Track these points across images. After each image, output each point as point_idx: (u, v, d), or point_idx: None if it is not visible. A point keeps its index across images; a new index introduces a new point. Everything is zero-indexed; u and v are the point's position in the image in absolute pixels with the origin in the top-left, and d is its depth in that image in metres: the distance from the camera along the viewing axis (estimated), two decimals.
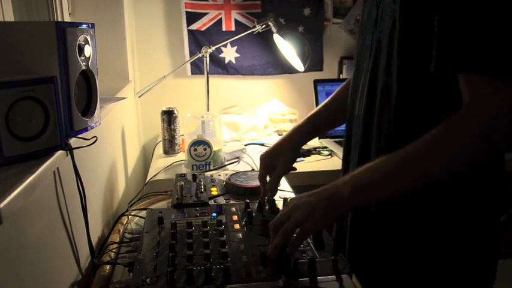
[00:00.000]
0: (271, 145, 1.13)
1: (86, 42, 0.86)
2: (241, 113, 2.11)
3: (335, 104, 1.15)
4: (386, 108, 0.86)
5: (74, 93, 0.83)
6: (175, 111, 1.71)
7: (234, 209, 1.03)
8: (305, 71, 2.00)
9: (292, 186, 1.19)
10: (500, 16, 0.67)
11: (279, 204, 1.04)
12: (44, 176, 0.71)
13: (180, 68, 1.98)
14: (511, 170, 0.96)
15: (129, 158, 1.75)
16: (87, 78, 0.90)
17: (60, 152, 0.79)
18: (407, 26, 0.79)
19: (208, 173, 1.31)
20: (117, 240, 1.06)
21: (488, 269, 0.89)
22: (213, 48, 1.79)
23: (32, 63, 0.78)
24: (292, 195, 1.11)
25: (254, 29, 1.83)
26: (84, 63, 0.86)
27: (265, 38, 2.06)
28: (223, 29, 2.08)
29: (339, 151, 1.68)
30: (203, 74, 1.89)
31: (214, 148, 1.52)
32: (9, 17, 1.06)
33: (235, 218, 0.99)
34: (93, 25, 0.90)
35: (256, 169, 1.49)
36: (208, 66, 1.82)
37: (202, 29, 2.06)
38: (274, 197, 1.07)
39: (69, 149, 0.83)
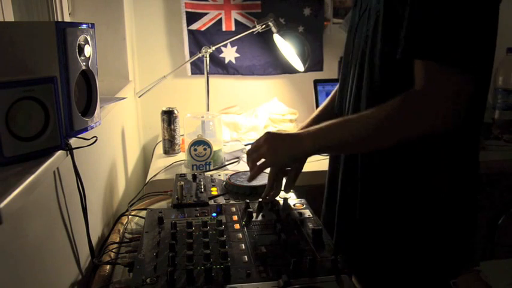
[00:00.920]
0: None
1: (86, 42, 0.86)
2: (241, 113, 2.11)
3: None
4: (371, 102, 0.90)
5: (74, 93, 0.83)
6: (175, 111, 1.71)
7: (234, 209, 1.03)
8: (305, 71, 2.00)
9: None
10: (458, 6, 0.73)
11: (279, 204, 1.04)
12: (44, 176, 0.71)
13: (180, 68, 1.98)
14: (502, 170, 0.98)
15: (129, 158, 1.75)
16: (87, 78, 0.90)
17: (60, 152, 0.79)
18: (388, 22, 0.84)
19: (208, 173, 1.31)
20: (117, 240, 1.06)
21: (467, 251, 0.93)
22: (213, 48, 1.79)
23: (32, 63, 0.78)
24: (293, 195, 1.12)
25: (254, 29, 1.83)
26: (84, 63, 0.86)
27: (265, 38, 2.06)
28: (223, 29, 2.08)
29: None
30: (203, 74, 1.89)
31: (214, 148, 1.52)
32: (9, 17, 1.06)
33: (235, 218, 0.99)
34: (93, 25, 0.90)
35: None
36: (208, 66, 1.82)
37: (202, 29, 2.06)
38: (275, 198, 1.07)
39: (69, 149, 0.83)
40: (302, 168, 1.14)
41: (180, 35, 2.06)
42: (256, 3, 2.08)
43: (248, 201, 1.04)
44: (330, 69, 2.18)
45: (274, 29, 1.84)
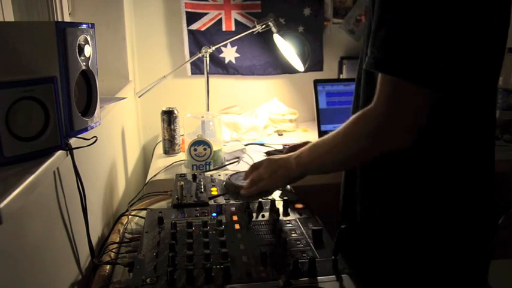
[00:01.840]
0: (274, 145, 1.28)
1: (86, 42, 0.86)
2: (241, 113, 2.11)
3: None
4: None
5: (74, 93, 0.83)
6: (175, 111, 1.71)
7: (234, 209, 1.04)
8: (305, 71, 2.00)
9: (292, 186, 1.19)
10: (417, 17, 0.71)
11: (279, 204, 1.04)
12: (44, 176, 0.71)
13: (180, 68, 1.98)
14: (502, 170, 0.97)
15: (129, 158, 1.75)
16: (87, 78, 0.90)
17: (60, 152, 0.79)
18: (369, 31, 0.84)
19: (208, 173, 1.31)
20: (117, 240, 1.06)
21: (481, 269, 0.89)
22: (213, 48, 1.79)
23: (32, 63, 0.78)
24: (293, 195, 1.12)
25: (254, 29, 1.83)
26: (84, 63, 0.86)
27: (265, 38, 2.06)
28: (223, 29, 2.08)
29: None
30: (203, 74, 1.89)
31: (214, 148, 1.52)
32: (9, 17, 1.06)
33: (235, 218, 0.99)
34: (93, 25, 0.90)
35: None
36: (208, 66, 1.82)
37: (202, 29, 2.06)
38: (274, 198, 1.07)
39: (69, 149, 0.83)
40: None
41: (180, 35, 2.06)
42: (256, 3, 2.08)
43: (248, 201, 1.04)
44: (330, 69, 2.18)
45: (274, 29, 1.84)
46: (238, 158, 1.62)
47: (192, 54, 2.04)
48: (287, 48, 1.89)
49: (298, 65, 1.94)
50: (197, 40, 2.06)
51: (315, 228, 0.90)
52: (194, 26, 2.05)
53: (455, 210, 0.85)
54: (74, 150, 0.85)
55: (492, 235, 0.89)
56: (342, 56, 2.19)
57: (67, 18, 1.57)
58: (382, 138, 0.79)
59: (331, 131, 1.86)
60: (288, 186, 1.20)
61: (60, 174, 0.89)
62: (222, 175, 1.29)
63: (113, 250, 1.00)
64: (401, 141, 0.78)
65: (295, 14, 2.10)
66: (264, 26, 1.83)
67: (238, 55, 2.11)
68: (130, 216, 1.16)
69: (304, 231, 0.92)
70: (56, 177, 0.87)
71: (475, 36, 0.74)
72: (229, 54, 2.11)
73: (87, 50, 0.87)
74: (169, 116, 1.70)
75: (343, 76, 2.15)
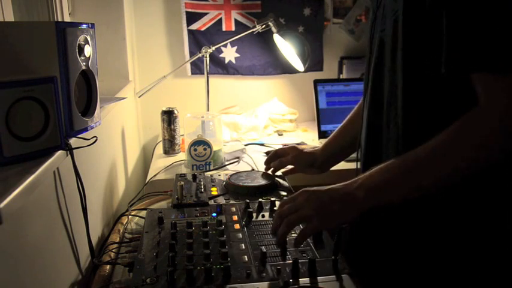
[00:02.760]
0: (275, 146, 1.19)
1: (86, 42, 0.86)
2: (241, 113, 2.11)
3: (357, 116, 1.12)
4: (393, 109, 0.86)
5: (74, 93, 0.83)
6: (175, 111, 1.71)
7: (234, 209, 1.03)
8: (305, 71, 1.99)
9: (293, 186, 1.19)
10: (508, 13, 0.66)
11: (278, 204, 1.04)
12: (44, 176, 0.71)
13: (180, 68, 1.98)
14: None
15: (129, 158, 1.75)
16: (87, 78, 0.90)
17: (60, 152, 0.79)
18: (411, 25, 0.78)
19: (208, 173, 1.31)
20: (117, 240, 1.06)
21: (501, 271, 0.87)
22: (213, 48, 1.79)
23: (32, 63, 0.78)
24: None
25: (254, 29, 1.83)
26: (84, 63, 0.86)
27: (265, 38, 2.06)
28: (223, 29, 2.08)
29: None
30: (203, 74, 1.89)
31: (214, 148, 1.52)
32: (9, 17, 1.06)
33: (235, 218, 0.99)
34: (93, 25, 0.90)
35: (256, 169, 1.49)
36: (208, 66, 1.82)
37: (202, 29, 2.06)
38: (274, 198, 1.07)
39: (69, 149, 0.83)
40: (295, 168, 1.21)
41: (180, 35, 2.06)
42: (256, 3, 2.08)
43: (248, 201, 1.04)
44: (330, 69, 2.18)
45: (274, 29, 1.84)
46: (238, 158, 1.62)
47: (192, 54, 2.04)
48: (287, 48, 1.89)
49: (298, 65, 1.94)
50: (197, 40, 2.06)
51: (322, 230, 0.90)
52: (194, 26, 2.05)
53: (465, 210, 0.83)
54: (74, 150, 0.85)
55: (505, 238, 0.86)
56: (342, 56, 2.19)
57: (67, 18, 1.57)
58: (505, 136, 0.69)
59: (331, 131, 1.89)
60: (286, 183, 1.20)
61: (60, 174, 0.89)
62: (222, 175, 1.29)
63: (113, 250, 1.00)
64: None
65: (295, 14, 2.10)
66: (264, 26, 1.83)
67: (238, 55, 2.11)
68: (130, 216, 1.16)
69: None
70: (56, 177, 0.87)
71: None
72: (229, 54, 2.11)
73: (87, 50, 0.87)
74: (169, 116, 1.70)
75: (343, 76, 2.15)
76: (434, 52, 0.74)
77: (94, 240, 1.08)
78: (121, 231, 1.11)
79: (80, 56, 0.84)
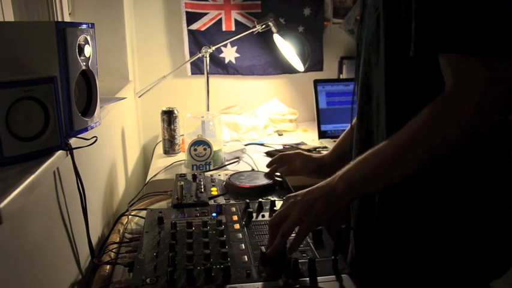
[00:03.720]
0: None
1: (86, 42, 0.86)
2: (241, 113, 2.11)
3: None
4: (380, 106, 0.86)
5: (74, 93, 0.83)
6: (175, 111, 1.71)
7: (234, 209, 1.03)
8: (305, 71, 2.00)
9: (293, 186, 1.19)
10: None
11: (279, 205, 1.04)
12: (44, 176, 0.71)
13: (180, 68, 1.98)
14: None
15: (129, 158, 1.75)
16: (87, 78, 0.90)
17: (60, 152, 0.79)
18: (390, 17, 0.79)
19: (208, 173, 1.31)
20: (117, 240, 1.06)
21: (501, 261, 0.86)
22: (213, 48, 1.79)
23: (32, 63, 0.78)
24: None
25: (254, 29, 1.83)
26: (84, 63, 0.86)
27: (265, 38, 2.06)
28: (223, 29, 2.08)
29: None
30: (203, 74, 1.89)
31: (214, 148, 1.52)
32: (9, 17, 1.06)
33: (235, 218, 0.99)
34: (93, 25, 0.90)
35: (256, 169, 1.49)
36: (208, 66, 1.82)
37: (202, 29, 2.06)
38: (274, 199, 1.07)
39: (69, 149, 0.83)
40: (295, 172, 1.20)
41: (180, 35, 2.06)
42: (256, 3, 2.08)
43: (248, 201, 1.04)
44: (330, 69, 2.18)
45: (274, 29, 1.84)
46: (238, 158, 1.62)
47: (192, 54, 2.04)
48: (287, 48, 1.89)
49: (298, 65, 1.94)
50: (197, 40, 2.06)
51: (315, 228, 0.90)
52: (194, 26, 2.05)
53: (468, 209, 0.83)
54: (74, 150, 0.85)
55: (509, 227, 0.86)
56: (342, 56, 2.19)
57: (67, 18, 1.57)
58: (478, 117, 0.68)
59: (331, 131, 1.89)
60: (286, 183, 1.20)
61: (60, 174, 0.89)
62: (222, 175, 1.29)
63: (113, 250, 1.00)
64: (499, 117, 0.69)
65: (295, 14, 2.10)
66: (264, 26, 1.83)
67: (238, 55, 2.11)
68: (130, 216, 1.16)
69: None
70: (56, 177, 0.87)
71: None
72: (229, 54, 2.11)
73: (87, 50, 0.87)
74: (169, 116, 1.70)
75: (343, 76, 2.15)
76: (409, 38, 0.74)
77: (94, 240, 1.08)
78: (121, 231, 1.11)
79: (80, 56, 0.84)
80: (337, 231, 0.83)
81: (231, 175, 1.22)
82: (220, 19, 2.07)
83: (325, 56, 2.17)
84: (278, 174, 1.24)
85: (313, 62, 2.12)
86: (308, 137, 1.94)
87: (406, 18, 0.74)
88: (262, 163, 1.57)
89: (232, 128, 1.96)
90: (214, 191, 1.16)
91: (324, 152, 1.30)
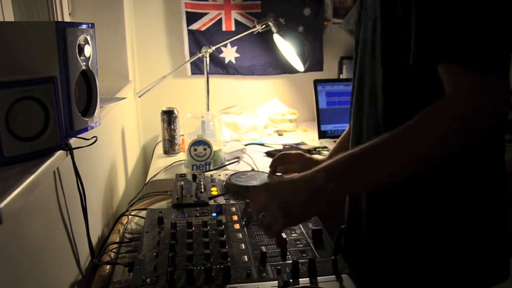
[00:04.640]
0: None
1: (86, 42, 0.86)
2: (241, 113, 2.12)
3: None
4: (373, 107, 0.87)
5: (74, 93, 0.83)
6: (175, 111, 1.71)
7: (234, 209, 1.04)
8: (305, 71, 2.00)
9: None
10: (475, 3, 0.67)
11: None
12: (44, 176, 0.71)
13: (180, 68, 1.98)
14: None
15: (129, 158, 1.75)
16: (87, 78, 0.90)
17: (60, 152, 0.79)
18: (388, 21, 0.80)
19: (208, 173, 1.31)
20: (117, 240, 1.06)
21: (497, 265, 0.87)
22: (213, 48, 1.79)
23: (32, 63, 0.78)
24: None
25: (254, 29, 1.83)
26: (84, 63, 0.86)
27: (265, 38, 2.06)
28: (223, 29, 2.08)
29: None
30: (203, 74, 1.89)
31: (214, 148, 1.52)
32: (9, 17, 1.06)
33: (235, 218, 0.99)
34: (93, 25, 0.90)
35: (256, 169, 1.49)
36: (208, 66, 1.82)
37: (202, 29, 2.06)
38: None
39: (69, 149, 0.83)
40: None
41: (180, 35, 2.06)
42: (256, 3, 2.08)
43: (248, 201, 1.04)
44: (330, 69, 2.18)
45: (274, 29, 1.84)
46: (238, 158, 1.62)
47: (192, 54, 2.04)
48: (287, 48, 1.89)
49: (298, 65, 1.94)
50: (197, 40, 2.06)
51: (315, 228, 0.90)
52: (194, 26, 2.05)
53: (465, 211, 0.83)
54: (74, 150, 0.85)
55: (505, 229, 0.86)
56: (342, 56, 2.19)
57: (67, 18, 1.57)
58: (474, 119, 0.69)
59: (331, 131, 1.89)
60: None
61: (60, 174, 0.89)
62: (222, 175, 1.29)
63: (113, 250, 1.00)
64: (493, 120, 0.70)
65: (295, 14, 2.10)
66: (264, 26, 1.83)
67: (238, 55, 2.11)
68: (130, 216, 1.16)
69: (304, 231, 0.92)
70: (56, 177, 0.87)
71: None
72: (229, 54, 2.11)
73: (87, 50, 0.87)
74: (169, 116, 1.70)
75: (343, 76, 2.15)
76: (407, 45, 0.74)
77: (94, 240, 1.08)
78: (121, 231, 1.11)
79: (80, 56, 0.84)
80: (337, 231, 0.83)
81: (231, 175, 1.22)
82: (220, 19, 2.07)
83: (325, 56, 2.17)
84: (279, 174, 1.24)
85: (313, 62, 2.12)
86: (308, 137, 1.94)
87: (402, 26, 0.75)
88: (262, 163, 1.57)
89: (232, 128, 1.96)
90: (214, 191, 1.16)
91: (325, 153, 1.30)
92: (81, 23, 0.86)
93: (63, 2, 1.52)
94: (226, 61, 2.12)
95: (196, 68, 2.10)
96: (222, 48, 2.08)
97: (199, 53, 1.79)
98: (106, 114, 1.18)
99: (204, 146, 1.50)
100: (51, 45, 0.78)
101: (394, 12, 0.78)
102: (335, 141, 1.82)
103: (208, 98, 1.82)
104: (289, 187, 0.76)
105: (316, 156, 1.21)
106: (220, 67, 2.12)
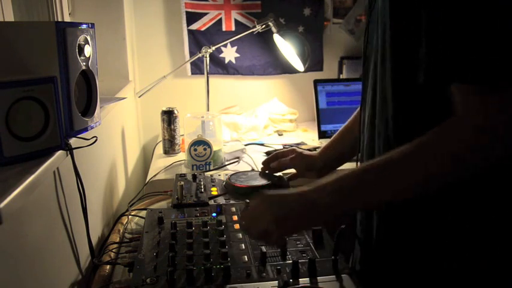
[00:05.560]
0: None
1: (86, 42, 0.86)
2: (241, 113, 2.11)
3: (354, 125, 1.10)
4: (384, 117, 0.84)
5: (74, 93, 0.83)
6: (175, 111, 1.71)
7: (234, 209, 1.04)
8: (305, 71, 1.99)
9: (292, 186, 1.19)
10: (489, 22, 0.65)
11: None
12: (44, 176, 0.71)
13: (180, 68, 1.98)
14: None
15: (129, 158, 1.75)
16: (87, 78, 0.90)
17: (60, 152, 0.79)
18: (397, 31, 0.77)
19: (208, 173, 1.31)
20: (117, 240, 1.06)
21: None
22: (213, 48, 1.79)
23: (32, 63, 0.78)
24: None
25: (254, 29, 1.83)
26: (84, 63, 0.86)
27: (265, 38, 2.06)
28: (223, 29, 2.08)
29: None
30: (203, 74, 1.89)
31: (214, 148, 1.52)
32: (9, 17, 1.06)
33: (235, 218, 0.99)
34: (93, 25, 0.90)
35: (256, 169, 1.49)
36: (208, 66, 1.82)
37: (202, 29, 2.06)
38: None
39: (69, 149, 0.83)
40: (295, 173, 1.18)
41: (180, 35, 2.06)
42: (256, 3, 2.08)
43: (248, 201, 1.04)
44: (330, 69, 2.18)
45: (274, 29, 1.84)
46: (238, 158, 1.62)
47: (192, 54, 2.04)
48: (287, 48, 1.89)
49: (298, 65, 1.94)
50: (197, 40, 2.06)
51: (315, 228, 0.90)
52: (194, 26, 2.05)
53: (468, 215, 0.81)
54: (74, 150, 0.85)
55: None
56: (342, 56, 2.19)
57: (67, 18, 1.57)
58: (484, 147, 0.67)
59: (331, 131, 1.89)
60: (286, 183, 1.20)
61: (60, 174, 0.89)
62: (222, 175, 1.29)
63: (113, 250, 1.00)
64: (505, 150, 0.67)
65: (295, 14, 2.10)
66: (264, 26, 1.83)
67: (238, 55, 2.11)
68: (130, 216, 1.16)
69: (304, 231, 0.92)
70: (56, 177, 0.87)
71: None
72: (229, 54, 2.11)
73: (87, 50, 0.87)
74: (169, 116, 1.70)
75: (343, 76, 2.15)
76: (417, 61, 0.72)
77: (94, 240, 1.08)
78: (121, 231, 1.11)
79: (80, 56, 0.84)
80: (337, 231, 0.82)
81: (231, 175, 1.22)
82: (220, 19, 2.07)
83: (325, 56, 2.17)
84: (278, 174, 1.24)
85: (313, 62, 2.12)
86: (308, 137, 1.94)
87: (413, 38, 0.73)
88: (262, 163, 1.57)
89: (232, 128, 1.96)
90: (214, 191, 1.16)
91: (316, 144, 1.29)
92: (81, 23, 0.86)
93: (63, 2, 1.52)
94: (226, 61, 2.12)
95: (196, 68, 2.10)
96: (222, 48, 2.08)
97: (199, 53, 1.79)
98: (106, 114, 1.18)
99: (204, 146, 1.50)
100: (51, 45, 0.78)
101: (403, 18, 0.75)
102: None
103: (208, 98, 1.82)
104: (285, 199, 0.76)
105: (307, 152, 1.20)
106: (220, 67, 2.12)
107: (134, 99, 1.98)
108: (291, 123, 2.07)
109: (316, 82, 1.91)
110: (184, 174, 1.27)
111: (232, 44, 2.07)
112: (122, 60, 1.81)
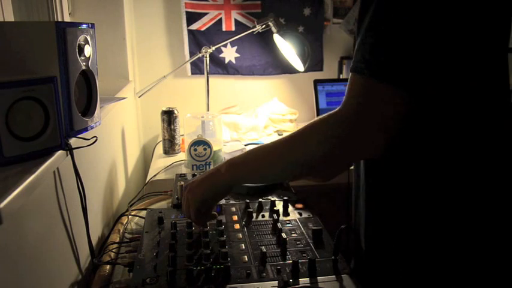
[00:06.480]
0: None
1: (86, 42, 0.86)
2: (241, 113, 2.12)
3: None
4: None
5: (74, 93, 0.83)
6: (175, 111, 1.71)
7: (234, 209, 1.03)
8: (305, 71, 2.00)
9: (293, 186, 1.19)
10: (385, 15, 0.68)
11: (279, 204, 1.04)
12: (44, 176, 0.71)
13: (180, 68, 1.98)
14: None
15: (129, 158, 1.75)
16: (87, 78, 0.90)
17: (60, 152, 0.79)
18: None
19: None
20: (117, 240, 1.06)
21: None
22: (213, 48, 1.79)
23: (32, 63, 0.78)
24: (293, 195, 1.11)
25: (254, 29, 1.83)
26: (84, 63, 0.86)
27: (265, 38, 2.06)
28: (223, 29, 2.08)
29: None
30: (203, 74, 1.89)
31: (214, 148, 1.52)
32: (9, 17, 1.06)
33: (235, 218, 0.99)
34: (93, 25, 0.90)
35: None
36: (208, 66, 1.82)
37: (202, 29, 2.06)
38: (274, 199, 1.07)
39: (69, 149, 0.83)
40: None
41: (180, 35, 2.06)
42: (256, 3, 2.08)
43: (248, 201, 1.04)
44: (330, 69, 2.18)
45: (274, 29, 1.84)
46: None
47: (192, 54, 2.04)
48: (287, 48, 1.89)
49: (298, 65, 1.94)
50: (197, 40, 2.06)
51: (315, 228, 0.90)
52: (194, 26, 2.05)
53: (470, 214, 0.82)
54: (74, 150, 0.85)
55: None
56: (342, 56, 2.19)
57: (67, 18, 1.57)
58: (351, 141, 0.72)
59: None
60: (286, 183, 1.20)
61: (60, 174, 0.89)
62: None
63: (113, 250, 1.00)
64: (372, 147, 0.72)
65: (295, 14, 2.10)
66: (264, 26, 1.83)
67: (238, 55, 2.11)
68: (130, 216, 1.16)
69: (304, 231, 0.92)
70: (56, 177, 0.87)
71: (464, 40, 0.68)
72: (229, 54, 2.11)
73: (87, 50, 0.87)
74: (169, 116, 1.70)
75: (343, 76, 2.15)
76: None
77: (94, 240, 1.08)
78: (121, 231, 1.11)
79: (80, 56, 0.84)
80: (337, 231, 0.82)
81: None
82: (220, 19, 2.07)
83: (325, 56, 2.17)
84: None
85: (313, 62, 2.12)
86: None
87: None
88: None
89: (232, 128, 1.96)
90: None
91: None
92: (81, 23, 0.86)
93: (63, 2, 1.52)
94: (226, 61, 2.12)
95: (196, 68, 2.10)
96: (222, 48, 2.08)
97: (199, 53, 1.79)
98: (106, 114, 1.18)
99: (204, 146, 1.50)
100: (51, 45, 0.78)
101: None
102: None
103: (208, 98, 1.82)
104: (199, 181, 0.85)
105: None
106: (220, 67, 2.12)
107: (134, 99, 1.98)
108: (291, 123, 2.07)
109: (316, 82, 1.91)
110: (184, 174, 1.27)
111: (232, 44, 2.07)
112: (121, 60, 1.82)
